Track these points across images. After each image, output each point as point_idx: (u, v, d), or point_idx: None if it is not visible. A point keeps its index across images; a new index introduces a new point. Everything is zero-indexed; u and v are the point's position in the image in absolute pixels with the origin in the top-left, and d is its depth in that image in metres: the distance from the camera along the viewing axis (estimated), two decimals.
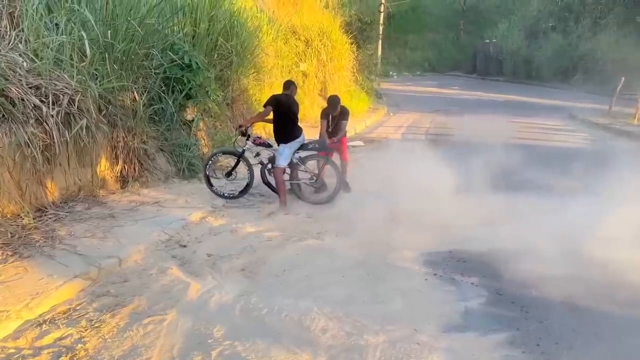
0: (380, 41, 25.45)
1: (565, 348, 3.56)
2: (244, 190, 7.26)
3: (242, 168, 7.47)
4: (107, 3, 7.55)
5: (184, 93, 8.46)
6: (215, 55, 9.70)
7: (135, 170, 7.57)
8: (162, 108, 8.16)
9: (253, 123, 7.42)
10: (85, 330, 3.77)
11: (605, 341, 3.66)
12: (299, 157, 7.21)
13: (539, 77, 28.05)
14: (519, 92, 24.32)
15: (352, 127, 14.31)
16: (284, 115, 7.04)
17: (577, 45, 25.98)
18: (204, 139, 9.20)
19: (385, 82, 24.54)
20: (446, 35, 36.57)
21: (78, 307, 4.12)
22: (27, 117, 5.94)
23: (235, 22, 10.48)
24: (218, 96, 9.49)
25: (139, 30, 7.49)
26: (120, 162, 7.40)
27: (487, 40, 31.76)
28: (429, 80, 29.43)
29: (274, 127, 7.17)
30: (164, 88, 8.18)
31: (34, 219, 5.73)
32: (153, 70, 7.89)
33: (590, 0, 24.04)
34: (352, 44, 17.91)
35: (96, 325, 3.84)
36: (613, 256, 4.94)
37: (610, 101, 17.08)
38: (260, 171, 7.33)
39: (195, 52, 8.73)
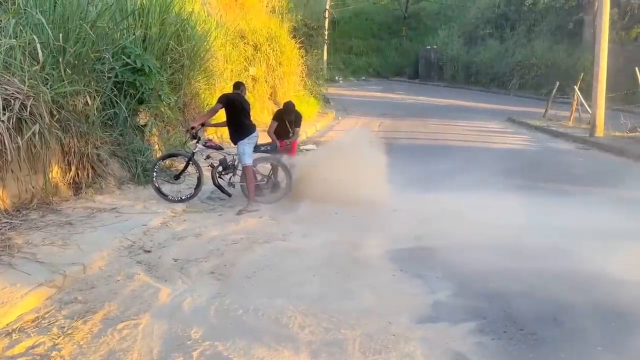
0: (325, 46, 25.74)
1: (530, 333, 3.78)
2: (193, 194, 7.21)
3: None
4: (55, 5, 7.37)
5: (136, 97, 8.33)
6: (169, 59, 9.60)
7: (88, 176, 7.40)
8: (115, 113, 8.01)
9: (204, 122, 7.39)
10: (58, 337, 3.69)
11: (565, 325, 3.92)
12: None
13: (477, 82, 29.07)
14: (459, 96, 25.16)
15: (304, 131, 14.41)
16: (237, 113, 7.15)
17: (513, 51, 27.13)
18: (157, 144, 9.08)
19: (331, 87, 24.79)
20: (389, 41, 37.26)
21: (47, 315, 4.02)
22: None
23: (187, 26, 10.41)
24: (171, 100, 9.40)
25: (91, 33, 7.33)
26: (73, 168, 7.21)
27: (429, 47, 32.63)
28: (373, 85, 29.95)
29: (229, 126, 7.28)
30: (116, 92, 8.04)
31: None
32: (106, 74, 7.74)
33: (525, 8, 25.16)
34: (300, 49, 18.05)
35: (68, 332, 3.76)
36: (565, 247, 5.28)
37: (546, 105, 17.99)
38: (211, 174, 7.35)
39: (147, 55, 8.61)
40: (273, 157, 7.51)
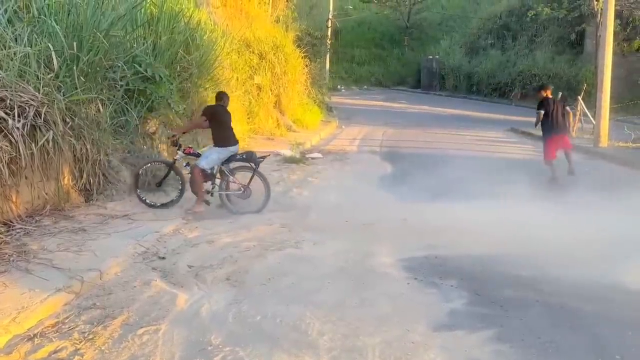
0: (328, 55, 25.88)
1: (547, 342, 3.81)
2: (175, 201, 7.28)
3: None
4: (69, 14, 7.45)
5: (146, 105, 8.39)
6: (178, 68, 9.66)
7: (99, 183, 7.44)
8: (126, 120, 8.06)
9: (185, 131, 7.59)
10: (79, 342, 3.72)
11: (582, 334, 3.96)
12: (229, 168, 7.32)
13: (479, 91, 29.16)
14: (461, 106, 25.26)
15: (308, 139, 14.53)
16: (221, 124, 7.28)
17: (515, 61, 27.26)
18: (166, 151, 9.13)
19: (334, 95, 24.89)
20: (391, 50, 37.47)
21: (66, 320, 4.05)
22: None
23: (195, 35, 10.50)
24: (180, 108, 9.45)
25: (104, 42, 7.40)
26: (85, 175, 7.25)
27: (431, 56, 32.78)
28: (376, 94, 30.05)
29: (212, 134, 7.40)
30: (127, 100, 8.10)
31: (0, 233, 5.58)
32: (118, 82, 7.81)
33: (526, 19, 25.28)
34: (304, 58, 18.16)
35: (89, 337, 3.79)
36: (579, 256, 5.34)
37: None
38: (189, 181, 7.33)
39: (157, 64, 8.69)
40: (251, 167, 7.35)
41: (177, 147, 7.37)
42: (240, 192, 7.35)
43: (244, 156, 7.36)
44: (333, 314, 4.20)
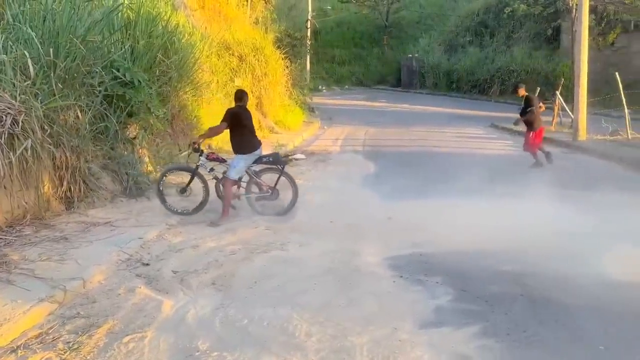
0: (308, 56, 25.87)
1: (533, 335, 3.87)
2: (199, 207, 7.20)
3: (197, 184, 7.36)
4: (44, 20, 7.35)
5: (126, 110, 8.32)
6: (157, 72, 9.58)
7: (80, 190, 7.34)
8: (106, 126, 7.98)
9: (207, 138, 7.43)
10: (65, 352, 3.67)
11: (566, 327, 4.01)
12: (254, 170, 7.29)
13: (459, 88, 29.37)
14: (442, 103, 25.42)
15: (291, 140, 14.52)
16: (244, 129, 7.10)
17: (493, 58, 27.53)
18: (147, 156, 9.06)
19: (315, 96, 24.88)
20: (371, 50, 37.56)
21: (50, 331, 4.00)
22: None
23: (173, 38, 10.42)
24: (160, 112, 9.37)
25: (81, 47, 7.32)
26: (65, 182, 7.16)
27: (410, 55, 32.92)
28: (357, 94, 30.11)
29: (232, 139, 7.21)
30: (106, 106, 8.01)
31: None
32: (96, 87, 7.72)
33: (503, 15, 25.56)
34: (284, 59, 18.14)
35: (74, 347, 3.75)
36: (561, 250, 5.41)
37: None
38: (215, 186, 7.30)
39: (135, 68, 8.60)
40: (278, 168, 7.37)
41: (199, 154, 7.28)
42: (268, 194, 7.30)
43: (270, 158, 7.31)
44: (320, 314, 4.21)
